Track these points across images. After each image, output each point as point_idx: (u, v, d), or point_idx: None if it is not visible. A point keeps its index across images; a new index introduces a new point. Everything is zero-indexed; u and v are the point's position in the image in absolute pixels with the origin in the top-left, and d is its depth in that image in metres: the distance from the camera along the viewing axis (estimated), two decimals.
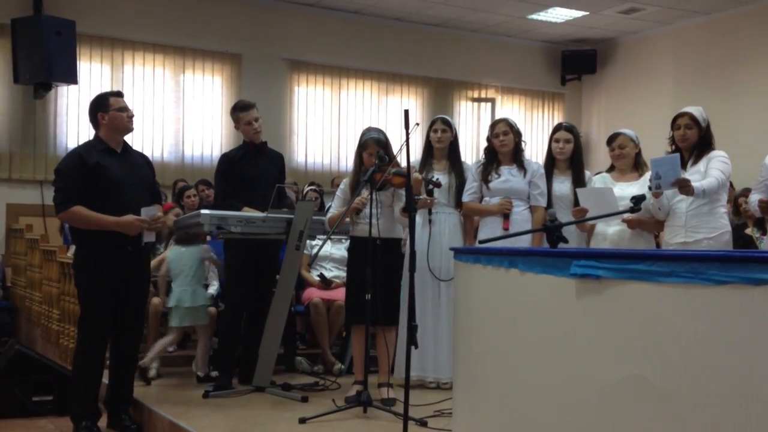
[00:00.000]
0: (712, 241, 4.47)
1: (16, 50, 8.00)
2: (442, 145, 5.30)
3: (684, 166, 4.56)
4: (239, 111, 5.29)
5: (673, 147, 4.73)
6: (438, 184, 4.90)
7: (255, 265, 5.21)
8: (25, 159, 8.48)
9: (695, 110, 4.66)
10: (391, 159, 4.64)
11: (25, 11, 8.25)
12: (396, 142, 4.79)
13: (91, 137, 4.56)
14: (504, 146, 5.08)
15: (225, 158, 5.41)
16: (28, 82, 8.11)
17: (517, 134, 5.14)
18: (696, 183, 4.38)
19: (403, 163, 4.15)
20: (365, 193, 4.55)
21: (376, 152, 4.60)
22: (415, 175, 4.74)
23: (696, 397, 2.25)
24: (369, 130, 4.92)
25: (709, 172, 4.51)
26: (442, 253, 5.02)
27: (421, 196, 4.75)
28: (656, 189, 4.40)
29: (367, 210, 4.51)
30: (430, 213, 5.17)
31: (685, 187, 4.34)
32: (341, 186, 4.97)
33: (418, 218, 5.15)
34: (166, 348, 5.57)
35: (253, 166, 5.25)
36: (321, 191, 7.29)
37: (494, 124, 5.21)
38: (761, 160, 4.78)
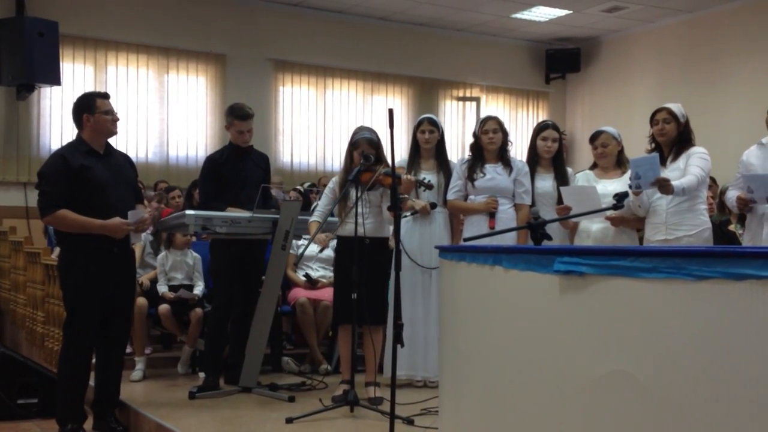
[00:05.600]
0: (692, 238, 4.50)
1: None
2: (429, 145, 5.31)
3: (663, 162, 4.59)
4: (236, 118, 5.21)
5: (653, 144, 4.77)
6: (430, 186, 4.91)
7: (241, 265, 5.20)
8: (9, 161, 8.44)
9: (673, 106, 4.70)
10: (381, 159, 4.63)
11: (7, 12, 8.21)
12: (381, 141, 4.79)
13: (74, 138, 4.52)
14: (492, 144, 5.09)
15: (209, 161, 5.40)
16: (11, 83, 8.07)
17: (505, 134, 5.16)
18: (675, 182, 4.41)
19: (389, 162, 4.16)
20: (352, 198, 4.54)
21: (361, 152, 4.60)
22: (408, 176, 4.76)
23: (679, 391, 2.27)
24: (361, 129, 4.89)
25: (688, 169, 4.54)
26: (432, 251, 5.02)
27: (405, 196, 4.74)
28: (636, 189, 4.43)
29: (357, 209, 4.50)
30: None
31: (664, 186, 4.37)
32: (330, 184, 4.95)
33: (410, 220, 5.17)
34: None
35: (238, 168, 5.24)
36: (308, 192, 7.30)
37: (484, 121, 5.20)
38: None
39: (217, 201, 5.11)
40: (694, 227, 4.53)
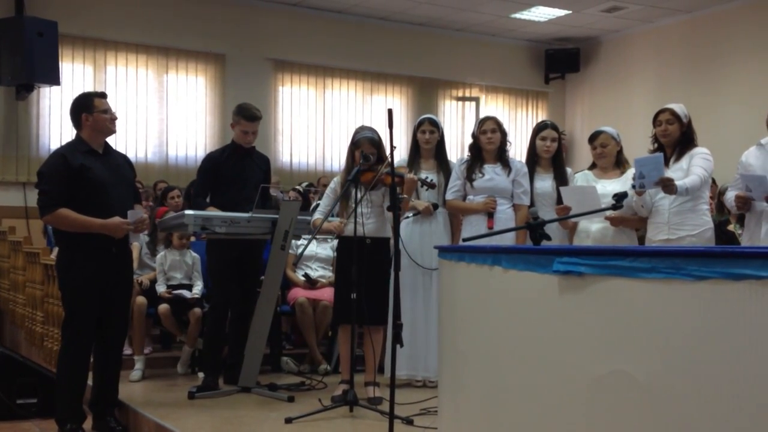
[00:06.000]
0: (694, 238, 4.51)
1: None
2: (429, 145, 5.31)
3: (666, 162, 4.60)
4: (243, 118, 5.20)
5: (655, 145, 4.78)
6: (432, 185, 4.91)
7: (239, 265, 5.20)
8: (8, 161, 8.44)
9: (676, 106, 4.71)
10: (383, 159, 4.63)
11: (6, 12, 8.21)
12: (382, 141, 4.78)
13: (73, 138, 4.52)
14: (491, 144, 5.09)
15: (208, 158, 5.43)
16: (10, 83, 8.07)
17: (504, 134, 5.16)
18: (679, 181, 4.42)
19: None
20: (353, 198, 4.54)
21: (361, 152, 4.59)
22: (411, 176, 4.75)
23: (678, 391, 2.27)
24: (363, 128, 4.87)
25: (691, 169, 4.55)
26: (432, 251, 5.02)
27: (405, 196, 4.74)
28: (640, 188, 4.44)
29: (357, 209, 4.49)
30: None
31: (668, 186, 4.38)
32: (331, 184, 4.94)
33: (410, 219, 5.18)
34: None
35: (238, 167, 5.24)
36: (307, 192, 7.30)
37: (483, 121, 5.21)
38: None
39: (205, 199, 5.13)
40: (697, 227, 4.54)
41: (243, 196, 5.11)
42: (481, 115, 6.53)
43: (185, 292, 5.73)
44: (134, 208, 4.40)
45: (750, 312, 2.13)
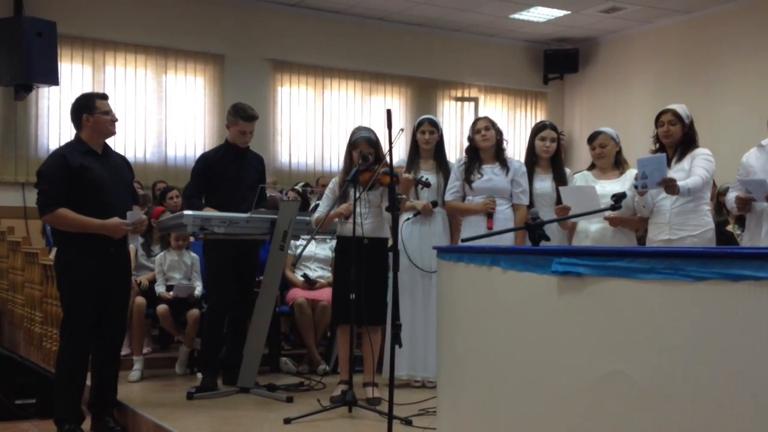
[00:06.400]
0: (696, 239, 4.52)
1: None
2: (429, 146, 5.31)
3: (668, 163, 4.61)
4: (241, 118, 5.18)
5: (657, 145, 4.78)
6: (428, 184, 4.92)
7: (236, 266, 5.19)
8: (7, 161, 8.43)
9: (678, 107, 4.72)
10: (380, 158, 4.63)
11: (5, 12, 8.20)
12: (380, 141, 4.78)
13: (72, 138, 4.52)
14: (486, 141, 5.09)
15: (202, 158, 5.41)
16: (9, 83, 8.06)
17: (499, 132, 5.17)
18: (681, 182, 4.43)
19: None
20: (351, 198, 4.54)
21: (360, 152, 4.60)
22: (406, 175, 4.75)
23: (677, 392, 2.27)
24: (360, 129, 4.88)
25: (693, 170, 4.56)
26: (432, 253, 5.02)
27: (403, 196, 4.74)
28: (642, 188, 4.45)
29: (356, 209, 4.49)
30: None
31: (671, 186, 4.38)
32: (330, 185, 4.94)
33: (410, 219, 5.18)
34: None
35: (233, 167, 5.23)
36: (305, 192, 7.30)
37: (475, 122, 5.25)
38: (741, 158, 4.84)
39: (199, 199, 5.14)
40: (698, 227, 4.55)
41: (238, 196, 5.10)
42: (480, 116, 6.56)
43: (182, 287, 5.70)
44: (133, 209, 4.41)
45: (748, 312, 2.14)
